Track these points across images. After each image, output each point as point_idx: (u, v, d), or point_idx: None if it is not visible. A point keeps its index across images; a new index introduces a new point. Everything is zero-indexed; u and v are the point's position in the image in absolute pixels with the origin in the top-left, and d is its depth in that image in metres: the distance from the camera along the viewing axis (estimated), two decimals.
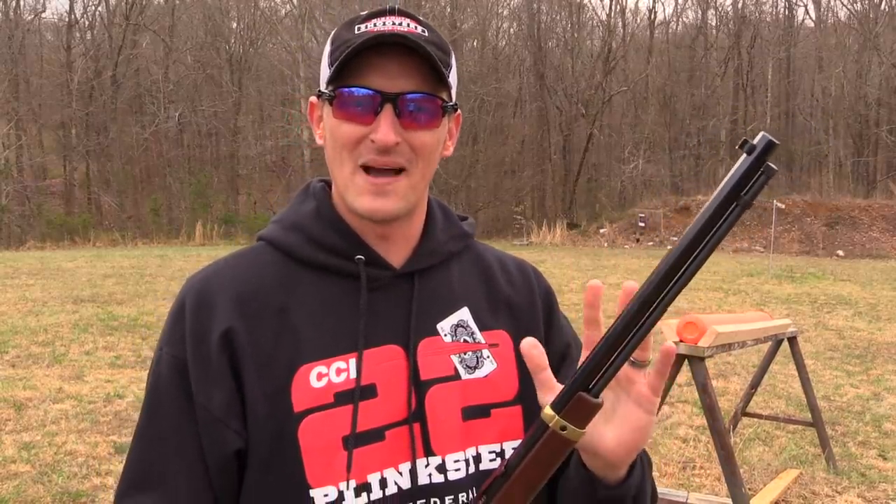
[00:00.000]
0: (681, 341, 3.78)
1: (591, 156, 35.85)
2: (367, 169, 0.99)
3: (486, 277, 1.13)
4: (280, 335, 0.99)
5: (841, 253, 25.84)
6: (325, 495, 0.97)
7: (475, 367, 1.06)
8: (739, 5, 38.15)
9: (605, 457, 0.91)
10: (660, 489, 4.67)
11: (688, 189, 33.54)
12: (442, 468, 1.02)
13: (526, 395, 1.06)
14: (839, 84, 34.55)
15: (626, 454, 0.92)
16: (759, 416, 5.98)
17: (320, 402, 0.97)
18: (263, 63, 37.44)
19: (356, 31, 1.00)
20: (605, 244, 28.83)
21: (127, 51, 34.02)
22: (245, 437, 0.97)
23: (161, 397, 1.00)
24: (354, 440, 0.98)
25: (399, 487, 1.00)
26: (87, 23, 36.07)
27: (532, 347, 0.90)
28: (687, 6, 44.23)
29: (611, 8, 46.40)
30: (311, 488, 0.96)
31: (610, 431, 0.91)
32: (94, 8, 35.81)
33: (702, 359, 3.79)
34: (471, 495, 1.03)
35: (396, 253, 1.06)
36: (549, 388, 0.90)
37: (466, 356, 1.06)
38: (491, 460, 1.05)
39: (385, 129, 0.96)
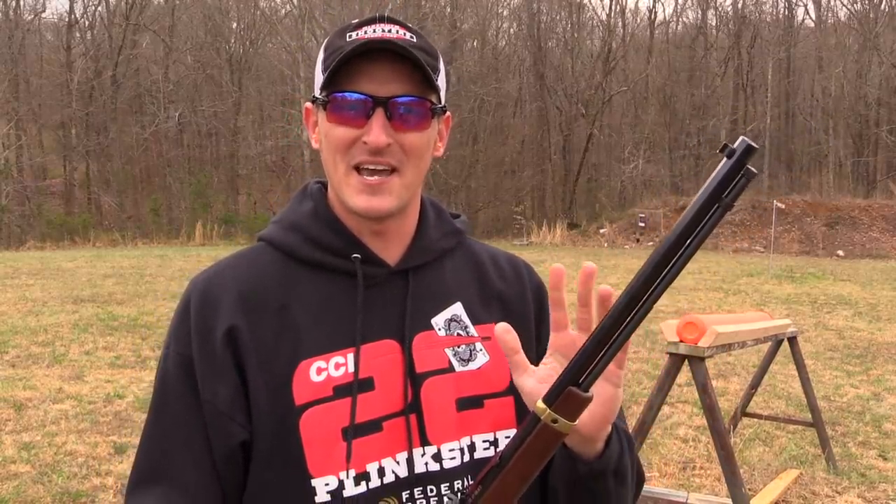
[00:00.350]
0: (681, 341, 3.79)
1: (591, 156, 35.85)
2: (360, 169, 1.04)
3: (479, 273, 1.18)
4: (281, 332, 1.04)
5: (841, 253, 25.84)
6: (326, 484, 1.01)
7: (468, 360, 1.11)
8: (739, 5, 38.17)
9: (579, 432, 0.95)
10: (660, 489, 4.67)
11: (688, 189, 33.53)
12: (437, 457, 1.06)
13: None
14: (839, 84, 34.55)
15: (599, 428, 0.96)
16: (759, 417, 5.98)
17: (320, 395, 1.02)
18: (263, 63, 37.44)
19: (348, 39, 1.04)
20: (605, 244, 28.83)
21: (127, 51, 34.02)
22: (249, 429, 1.02)
23: (168, 393, 1.04)
24: (353, 431, 1.02)
25: (396, 476, 1.04)
26: (87, 23, 36.09)
27: (505, 332, 0.95)
28: (687, 6, 44.24)
29: (611, 8, 46.43)
30: (313, 478, 1.01)
31: None
32: (94, 8, 35.82)
33: (702, 359, 3.78)
34: (466, 482, 1.06)
35: (391, 251, 1.10)
36: (523, 370, 0.95)
37: (460, 349, 1.10)
38: (485, 449, 1.09)
39: (377, 131, 1.01)
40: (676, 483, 5.04)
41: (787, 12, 39.21)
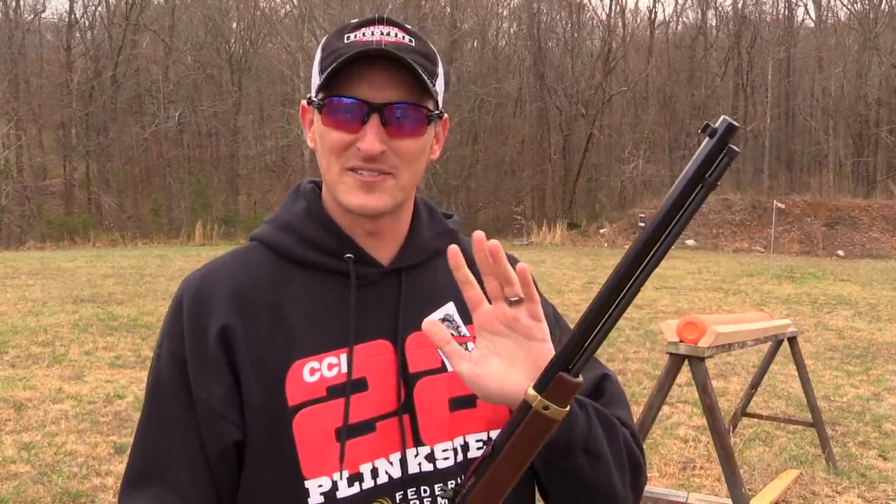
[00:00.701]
0: (681, 341, 3.79)
1: (591, 156, 35.84)
2: (354, 170, 1.05)
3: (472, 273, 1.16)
4: (274, 332, 1.04)
5: (841, 253, 25.84)
6: (320, 486, 1.01)
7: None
8: (739, 5, 38.17)
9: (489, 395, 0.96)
10: (660, 489, 4.67)
11: None
12: (431, 457, 1.06)
13: None
14: (839, 84, 34.55)
15: (505, 387, 0.96)
16: (759, 417, 5.98)
17: (313, 395, 1.02)
18: (263, 63, 37.44)
19: (345, 41, 1.04)
20: (605, 244, 28.83)
21: (127, 51, 34.01)
22: (243, 429, 1.02)
23: (161, 393, 1.04)
24: (346, 432, 1.02)
25: (390, 476, 1.04)
26: (87, 23, 36.09)
27: (431, 326, 0.96)
28: (687, 6, 44.25)
29: (611, 8, 46.46)
30: (306, 479, 1.01)
31: (521, 375, 0.94)
32: (94, 8, 35.83)
33: (702, 359, 3.78)
34: (459, 482, 1.07)
35: (384, 251, 1.10)
36: (459, 357, 0.95)
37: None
38: (478, 448, 1.09)
39: (371, 138, 1.01)
40: (676, 483, 5.04)
41: (787, 12, 39.23)
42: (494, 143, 35.35)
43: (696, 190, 0.83)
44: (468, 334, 1.11)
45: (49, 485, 4.79)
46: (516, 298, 0.95)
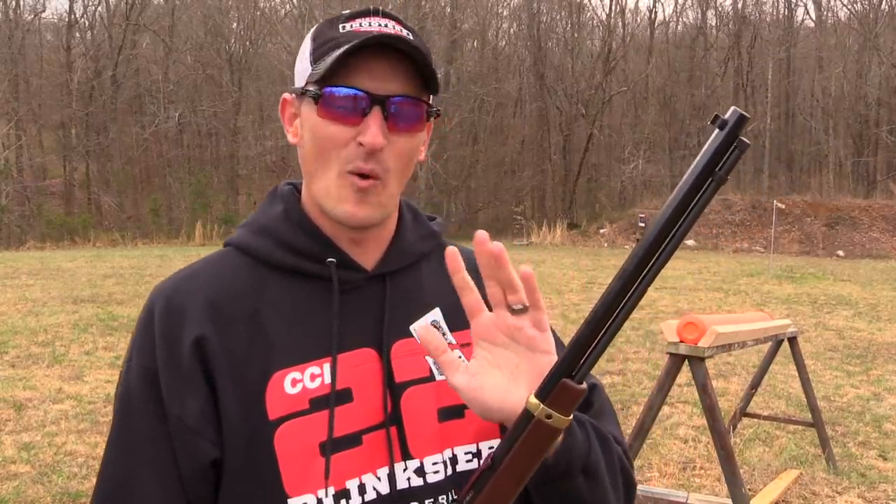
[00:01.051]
0: (681, 342, 3.78)
1: (591, 156, 35.85)
2: (352, 173, 0.99)
3: None
4: (252, 341, 0.98)
5: (841, 253, 25.84)
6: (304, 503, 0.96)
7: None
8: (739, 5, 38.17)
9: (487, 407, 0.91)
10: (660, 489, 4.67)
11: None
12: (420, 471, 1.01)
13: None
14: (839, 84, 34.55)
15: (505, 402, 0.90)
16: (760, 417, 5.98)
17: (295, 408, 0.96)
18: (263, 63, 37.44)
19: (340, 30, 1.00)
20: (605, 244, 28.83)
21: (127, 51, 34.02)
22: (220, 445, 0.95)
23: (131, 409, 0.98)
24: (331, 446, 0.96)
25: (378, 493, 0.98)
26: (87, 23, 36.10)
27: (426, 332, 0.91)
28: (687, 6, 44.24)
29: (611, 8, 46.45)
30: (289, 497, 0.95)
31: (523, 389, 0.89)
32: (94, 8, 35.84)
33: (702, 359, 3.78)
34: (451, 497, 1.01)
35: (368, 255, 1.05)
36: (454, 368, 0.90)
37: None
38: (468, 461, 1.03)
39: (374, 130, 0.96)
40: (676, 483, 5.04)
41: (787, 12, 39.24)
42: (494, 144, 35.36)
43: (707, 184, 0.80)
44: (454, 341, 1.06)
45: (49, 485, 4.79)
46: (521, 307, 0.89)
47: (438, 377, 1.03)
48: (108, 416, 6.14)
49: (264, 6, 37.83)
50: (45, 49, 37.99)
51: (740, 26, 37.55)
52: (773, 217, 20.92)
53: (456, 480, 1.02)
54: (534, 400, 0.86)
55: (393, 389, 1.00)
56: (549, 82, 35.99)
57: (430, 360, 1.03)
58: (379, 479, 0.98)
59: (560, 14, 38.83)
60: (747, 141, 0.79)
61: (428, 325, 0.95)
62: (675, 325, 3.82)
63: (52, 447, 5.46)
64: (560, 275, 17.43)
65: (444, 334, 1.06)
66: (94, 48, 34.64)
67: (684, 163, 36.28)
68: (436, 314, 1.06)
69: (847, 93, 34.64)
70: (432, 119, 1.04)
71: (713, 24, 39.98)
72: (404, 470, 1.00)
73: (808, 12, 57.07)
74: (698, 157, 0.81)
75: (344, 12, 1.03)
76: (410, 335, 1.03)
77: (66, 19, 34.50)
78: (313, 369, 0.98)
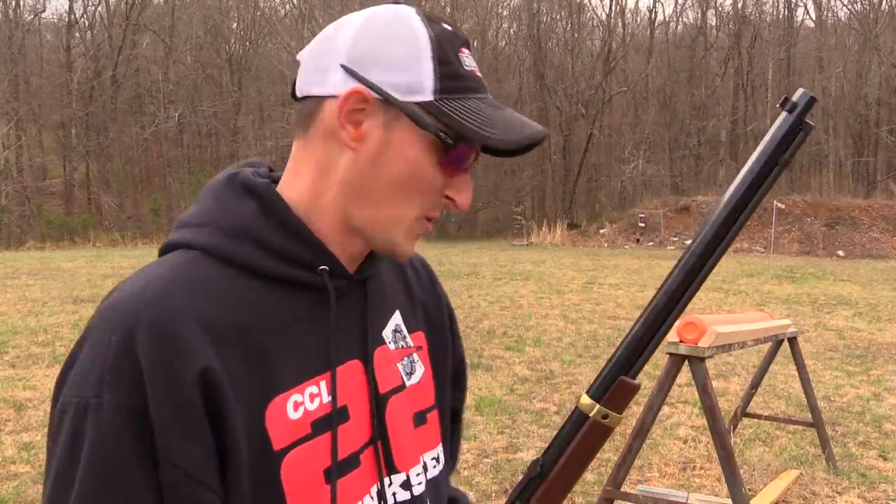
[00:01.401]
0: (681, 342, 3.79)
1: (591, 156, 35.87)
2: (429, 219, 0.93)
3: (404, 277, 1.07)
4: (249, 363, 0.84)
5: (841, 253, 25.84)
6: None
7: (411, 373, 1.00)
8: (739, 5, 38.19)
9: None
10: (660, 489, 4.67)
11: (688, 189, 33.56)
12: (407, 484, 0.96)
13: (439, 396, 1.05)
14: (839, 84, 34.56)
15: None
16: (760, 417, 5.97)
17: (299, 434, 0.86)
18: (263, 63, 37.45)
19: (465, 67, 0.88)
20: (605, 244, 28.83)
21: (127, 51, 34.04)
22: (222, 494, 0.82)
23: (111, 457, 0.77)
24: (337, 472, 0.88)
25: None
26: (86, 23, 36.15)
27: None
28: (687, 6, 44.27)
29: (611, 8, 46.47)
30: None
31: None
32: (94, 8, 35.87)
33: (702, 359, 3.78)
34: None
35: (352, 260, 0.94)
36: None
37: (405, 362, 1.00)
38: (433, 467, 1.00)
39: (469, 193, 0.90)
40: (676, 483, 5.04)
41: (787, 12, 39.25)
42: None
43: (775, 169, 0.79)
44: (412, 344, 1.02)
45: None
46: None
47: (409, 383, 1.00)
48: None
49: (264, 6, 37.86)
50: (45, 49, 38.01)
51: (740, 26, 37.56)
52: (773, 217, 20.93)
53: (432, 490, 0.98)
54: (587, 400, 0.85)
55: (378, 402, 0.94)
56: (549, 82, 35.99)
57: (399, 367, 0.99)
58: (372, 498, 0.92)
59: (560, 14, 38.86)
60: (812, 123, 0.79)
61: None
62: (675, 325, 3.82)
63: None
64: (560, 275, 17.43)
65: (404, 337, 1.01)
66: (94, 48, 34.67)
67: (684, 162, 36.34)
68: (397, 317, 1.01)
69: (847, 93, 34.65)
70: None
71: (713, 24, 40.03)
72: (389, 485, 0.94)
73: (808, 12, 57.10)
74: (765, 142, 0.80)
75: (446, 27, 0.89)
76: (384, 342, 0.98)
77: (66, 19, 34.57)
78: (311, 388, 0.88)
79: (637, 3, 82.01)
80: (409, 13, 0.87)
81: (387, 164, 0.86)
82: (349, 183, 0.88)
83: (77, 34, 35.61)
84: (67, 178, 32.73)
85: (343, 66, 0.85)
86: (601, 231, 30.05)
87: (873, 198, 30.06)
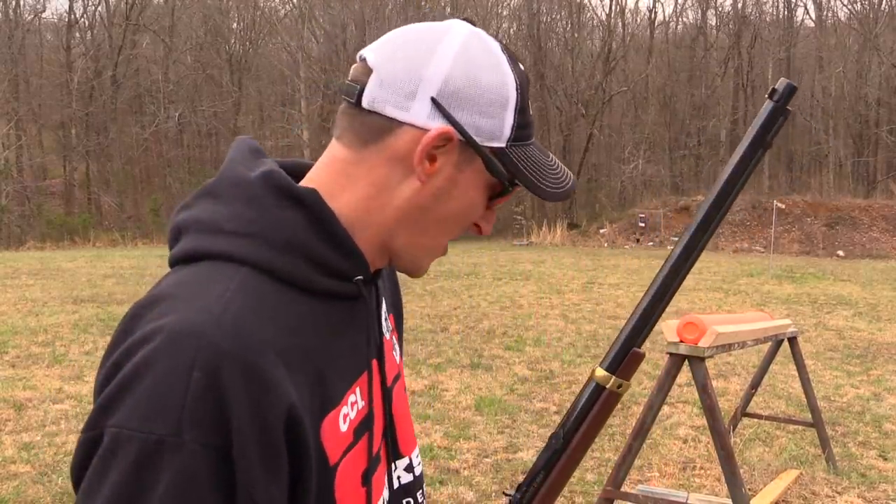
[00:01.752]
0: (681, 342, 3.79)
1: (591, 156, 35.87)
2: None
3: None
4: (311, 386, 0.82)
5: (841, 253, 25.84)
6: None
7: (399, 355, 1.04)
8: (739, 5, 38.19)
9: None
10: (660, 489, 4.67)
11: (688, 189, 33.57)
12: (409, 467, 1.00)
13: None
14: (839, 84, 34.57)
15: None
16: (760, 417, 5.98)
17: (346, 444, 0.86)
18: (263, 63, 37.46)
19: (531, 114, 0.93)
20: (606, 244, 28.83)
21: (127, 51, 34.05)
22: None
23: (193, 499, 0.74)
24: (372, 471, 0.91)
25: (384, 499, 0.95)
26: (87, 23, 36.15)
27: None
28: (687, 6, 44.26)
29: (611, 8, 46.50)
30: None
31: None
32: (94, 8, 35.87)
33: (702, 359, 3.79)
34: (423, 483, 1.04)
35: (373, 266, 0.94)
36: None
37: (396, 348, 1.02)
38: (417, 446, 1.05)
39: (493, 221, 0.95)
40: (676, 483, 5.04)
41: (787, 12, 39.26)
42: None
43: (759, 152, 0.90)
44: (392, 328, 1.04)
45: (49, 485, 4.79)
46: None
47: (401, 371, 1.04)
48: None
49: (264, 6, 37.86)
50: (45, 49, 38.02)
51: (740, 26, 37.56)
52: (774, 217, 20.93)
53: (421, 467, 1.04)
54: (602, 372, 0.93)
55: (386, 394, 0.95)
56: (549, 82, 35.99)
57: (395, 354, 1.03)
58: (387, 486, 0.95)
59: (560, 14, 38.88)
60: (790, 108, 0.90)
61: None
62: (675, 325, 3.82)
63: (52, 447, 5.46)
64: (560, 275, 17.43)
65: (389, 327, 1.02)
66: (94, 48, 34.67)
67: (684, 162, 36.34)
68: (384, 305, 1.01)
69: (847, 93, 34.66)
70: None
71: (713, 24, 40.03)
72: (395, 470, 0.97)
73: (808, 12, 57.14)
74: (752, 128, 0.91)
75: (523, 71, 0.90)
76: (384, 335, 0.98)
77: (66, 19, 34.57)
78: (352, 397, 0.87)
79: (637, 3, 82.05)
80: (499, 52, 0.87)
81: (448, 200, 0.88)
82: (406, 210, 0.87)
83: (77, 34, 35.62)
84: (67, 178, 32.73)
85: (433, 100, 0.84)
86: (601, 231, 30.06)
87: (873, 198, 30.06)
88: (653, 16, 41.92)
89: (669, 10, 74.41)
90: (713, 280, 16.67)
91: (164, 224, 30.57)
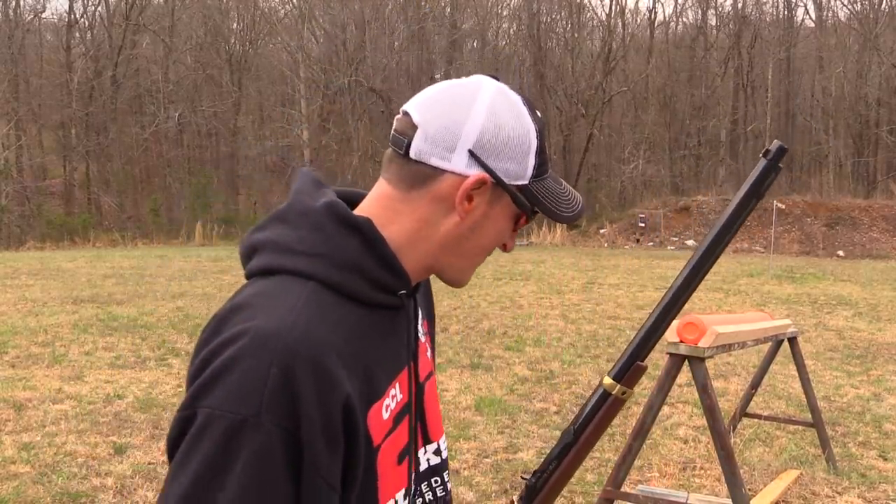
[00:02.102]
0: (681, 342, 3.78)
1: (591, 156, 35.87)
2: None
3: None
4: (362, 381, 1.00)
5: (841, 253, 25.84)
6: None
7: (432, 355, 1.21)
8: (739, 5, 38.19)
9: None
10: (660, 489, 4.67)
11: (688, 189, 33.56)
12: (438, 451, 1.16)
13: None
14: (839, 84, 34.57)
15: None
16: (760, 417, 5.97)
17: (387, 429, 1.04)
18: (263, 63, 37.46)
19: (548, 152, 1.10)
20: (606, 244, 28.83)
21: (127, 51, 34.03)
22: (340, 493, 0.98)
23: (266, 470, 0.92)
24: (410, 452, 1.09)
25: (415, 476, 1.12)
26: (86, 23, 36.13)
27: None
28: (687, 6, 44.25)
29: (611, 8, 46.51)
30: None
31: None
32: (94, 8, 35.86)
33: (702, 359, 3.78)
34: (448, 467, 1.20)
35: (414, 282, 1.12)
36: None
37: (428, 352, 1.18)
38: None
39: (515, 239, 1.12)
40: (676, 483, 5.04)
41: (787, 12, 39.26)
42: None
43: (752, 202, 1.08)
44: (426, 333, 1.19)
45: (49, 485, 4.79)
46: None
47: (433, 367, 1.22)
48: (108, 417, 6.14)
49: (264, 6, 37.85)
50: (45, 49, 38.01)
51: (740, 26, 37.56)
52: (773, 217, 20.93)
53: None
54: (609, 381, 1.11)
55: (419, 388, 1.12)
56: (549, 82, 35.99)
57: (428, 354, 1.19)
58: (419, 464, 1.13)
59: (560, 14, 38.87)
60: (781, 166, 1.08)
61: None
62: (675, 325, 3.82)
63: (52, 447, 5.46)
64: (560, 275, 17.43)
65: (424, 332, 1.18)
66: (94, 48, 34.65)
67: (684, 163, 36.33)
68: (420, 317, 1.16)
69: (847, 93, 34.65)
70: None
71: (713, 24, 40.02)
72: (424, 453, 1.14)
73: (808, 12, 57.15)
74: (749, 181, 1.08)
75: (540, 117, 1.08)
76: (420, 339, 1.15)
77: (66, 19, 34.55)
78: (392, 391, 1.05)
79: (637, 3, 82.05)
80: (520, 105, 1.05)
81: (483, 231, 1.06)
82: (448, 240, 1.06)
83: (77, 34, 35.60)
84: (67, 178, 32.73)
85: (471, 152, 1.01)
86: (601, 231, 30.06)
87: (873, 198, 30.07)
88: (653, 16, 41.94)
89: (669, 10, 74.43)
90: (713, 280, 16.67)
91: (163, 224, 30.59)
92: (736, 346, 4.27)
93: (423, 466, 1.12)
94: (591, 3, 53.67)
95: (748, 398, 5.74)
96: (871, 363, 8.75)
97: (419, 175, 1.02)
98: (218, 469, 0.90)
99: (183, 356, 8.30)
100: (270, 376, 0.91)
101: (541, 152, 1.06)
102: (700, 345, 3.75)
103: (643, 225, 29.03)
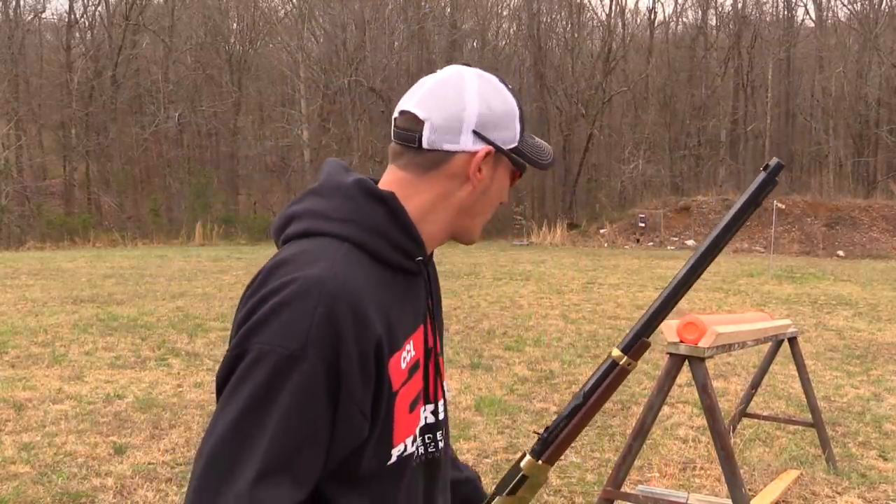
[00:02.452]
0: (681, 342, 3.78)
1: (591, 156, 35.86)
2: None
3: None
4: (386, 330, 1.15)
5: (841, 253, 25.84)
6: (399, 451, 1.20)
7: (440, 336, 1.35)
8: (739, 5, 38.18)
9: None
10: (660, 489, 4.67)
11: (688, 189, 33.55)
12: (435, 411, 1.29)
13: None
14: (839, 84, 34.55)
15: None
16: (760, 417, 5.97)
17: (403, 378, 1.18)
18: (263, 63, 37.45)
19: (526, 115, 1.30)
20: (605, 244, 28.83)
21: (127, 51, 34.02)
22: (370, 422, 1.15)
23: (310, 397, 1.07)
24: (422, 401, 1.25)
25: (419, 427, 1.26)
26: (86, 23, 36.09)
27: None
28: (687, 6, 44.26)
29: (611, 8, 46.50)
30: (393, 447, 1.19)
31: None
32: (94, 8, 35.83)
33: (702, 359, 3.78)
34: (444, 428, 1.34)
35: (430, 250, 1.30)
36: None
37: (438, 322, 1.34)
38: (446, 392, 1.36)
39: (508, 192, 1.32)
40: (677, 483, 5.04)
41: (787, 12, 39.24)
42: None
43: (750, 209, 1.23)
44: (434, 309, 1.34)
45: (49, 485, 4.79)
46: None
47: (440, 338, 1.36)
48: (108, 417, 6.13)
49: (264, 6, 37.84)
50: (45, 49, 37.99)
51: (740, 26, 37.55)
52: (773, 217, 20.92)
53: (447, 415, 1.35)
54: (618, 352, 1.25)
55: (428, 351, 1.26)
56: (549, 82, 35.99)
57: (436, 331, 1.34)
58: (425, 417, 1.27)
59: (560, 14, 38.85)
60: (777, 180, 1.22)
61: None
62: (675, 325, 3.82)
63: (52, 447, 5.45)
64: (560, 275, 17.43)
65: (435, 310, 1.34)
66: (94, 48, 34.62)
67: (684, 163, 36.32)
68: (433, 290, 1.32)
69: (847, 93, 34.64)
70: None
71: (713, 24, 40.00)
72: (423, 411, 1.26)
73: (808, 12, 57.14)
74: (748, 192, 1.22)
75: (513, 89, 1.27)
76: (432, 310, 1.30)
77: (66, 19, 34.52)
78: (408, 346, 1.20)
79: (637, 3, 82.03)
80: (499, 84, 1.25)
81: (490, 192, 1.26)
82: (464, 205, 1.25)
83: (77, 34, 35.57)
84: (67, 178, 32.72)
85: (474, 132, 1.21)
86: (601, 231, 30.05)
87: (873, 198, 30.06)
88: (653, 16, 41.91)
89: (669, 10, 74.41)
90: (713, 280, 16.66)
91: (163, 224, 30.57)
92: (736, 346, 4.27)
93: (431, 420, 1.28)
94: (591, 3, 53.71)
95: (748, 398, 5.74)
96: (871, 363, 8.75)
97: (434, 160, 1.20)
98: (268, 395, 1.05)
99: (183, 356, 8.30)
100: (315, 316, 1.07)
101: (522, 117, 1.26)
102: (700, 345, 3.75)
103: (643, 225, 29.02)
